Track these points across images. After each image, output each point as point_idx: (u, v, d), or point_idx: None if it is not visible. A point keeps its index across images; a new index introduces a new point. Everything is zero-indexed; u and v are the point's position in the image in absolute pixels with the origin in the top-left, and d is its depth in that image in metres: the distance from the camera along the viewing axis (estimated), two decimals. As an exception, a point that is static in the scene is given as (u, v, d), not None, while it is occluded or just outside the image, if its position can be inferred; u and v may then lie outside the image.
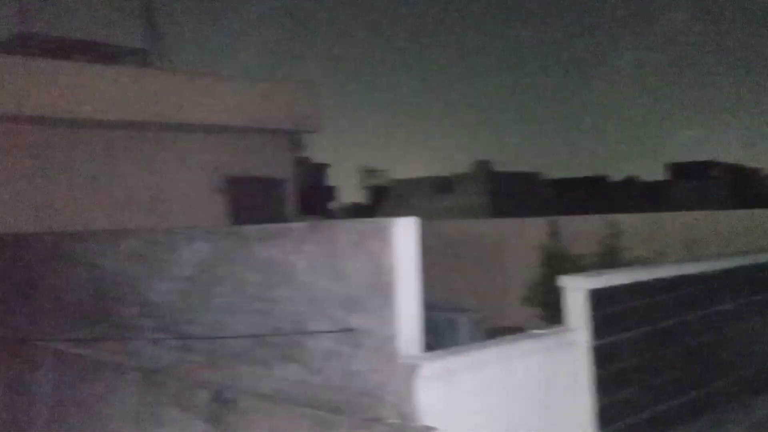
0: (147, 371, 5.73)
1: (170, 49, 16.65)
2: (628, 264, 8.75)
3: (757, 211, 12.32)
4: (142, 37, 15.93)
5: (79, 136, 11.68)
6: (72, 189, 11.51)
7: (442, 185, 40.48)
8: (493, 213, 32.92)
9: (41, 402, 6.51)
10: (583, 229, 11.15)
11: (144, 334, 5.94)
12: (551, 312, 8.55)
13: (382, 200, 43.67)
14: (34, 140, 11.25)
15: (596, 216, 13.07)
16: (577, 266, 9.17)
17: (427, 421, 3.87)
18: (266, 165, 13.72)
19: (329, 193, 44.95)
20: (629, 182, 48.41)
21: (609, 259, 9.68)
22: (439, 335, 6.39)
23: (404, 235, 4.09)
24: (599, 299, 4.84)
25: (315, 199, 36.03)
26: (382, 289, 4.10)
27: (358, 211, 44.76)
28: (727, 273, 6.14)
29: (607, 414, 4.76)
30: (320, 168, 43.65)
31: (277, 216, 13.36)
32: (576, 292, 4.82)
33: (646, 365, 5.17)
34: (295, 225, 4.84)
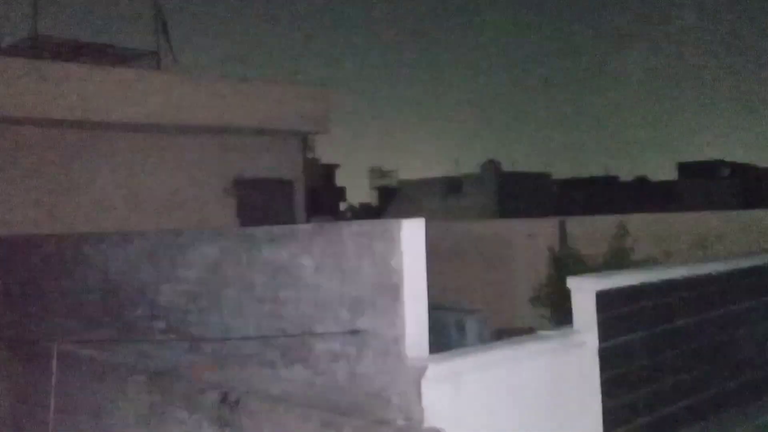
0: (155, 373, 5.76)
1: (181, 52, 16.69)
2: (638, 264, 8.71)
3: (768, 211, 12.25)
4: (154, 40, 15.99)
5: (93, 139, 11.75)
6: (88, 192, 11.58)
7: (452, 185, 40.36)
8: (503, 213, 32.78)
9: (50, 403, 6.53)
10: (593, 230, 11.12)
11: (152, 336, 5.96)
12: (559, 313, 8.54)
13: (392, 201, 43.60)
14: (53, 142, 11.34)
15: (606, 216, 13.03)
16: (586, 267, 9.14)
17: (434, 422, 3.86)
18: (275, 166, 13.75)
19: (338, 194, 44.93)
20: (640, 182, 48.12)
21: (619, 260, 9.61)
22: (446, 336, 6.38)
23: (411, 236, 4.08)
24: (607, 301, 4.82)
25: (324, 200, 36.08)
26: (389, 291, 4.09)
27: (367, 212, 44.68)
28: (737, 274, 6.09)
29: (614, 416, 4.73)
30: (329, 169, 43.67)
31: (286, 217, 13.39)
32: (584, 293, 4.80)
33: (654, 367, 5.14)
34: (302, 227, 4.85)
